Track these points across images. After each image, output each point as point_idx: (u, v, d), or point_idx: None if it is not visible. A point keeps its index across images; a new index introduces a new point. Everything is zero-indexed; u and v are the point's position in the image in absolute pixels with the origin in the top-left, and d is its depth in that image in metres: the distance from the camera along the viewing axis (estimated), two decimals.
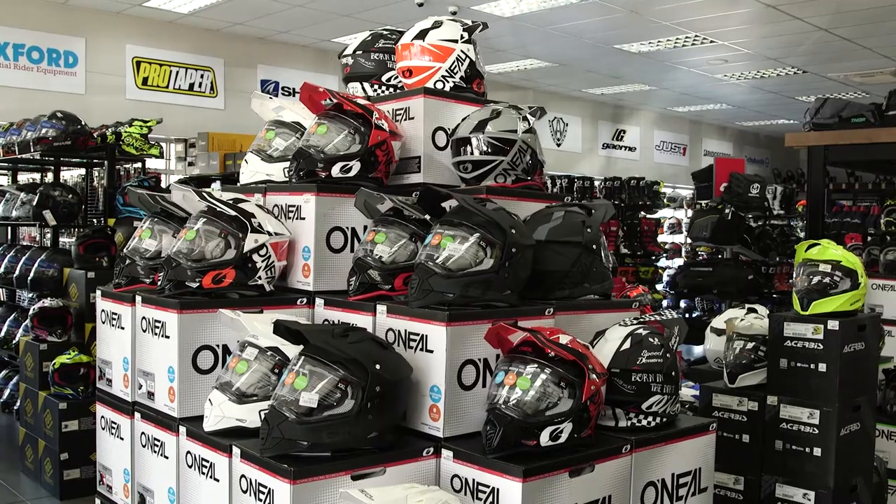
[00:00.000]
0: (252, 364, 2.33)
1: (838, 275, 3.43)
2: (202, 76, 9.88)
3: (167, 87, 9.59)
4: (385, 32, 3.28)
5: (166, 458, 2.50)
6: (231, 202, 2.57)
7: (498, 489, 2.09)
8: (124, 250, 2.81)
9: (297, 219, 2.70)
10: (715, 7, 8.58)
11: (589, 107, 14.40)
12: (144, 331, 2.62)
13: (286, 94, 10.56)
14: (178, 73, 9.68)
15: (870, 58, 10.50)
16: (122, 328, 2.74)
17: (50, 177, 6.89)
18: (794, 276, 3.54)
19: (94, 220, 6.18)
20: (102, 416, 2.88)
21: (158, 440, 2.54)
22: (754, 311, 3.92)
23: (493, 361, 2.35)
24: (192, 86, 9.80)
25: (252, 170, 2.96)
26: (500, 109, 2.85)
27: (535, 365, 2.17)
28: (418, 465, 2.22)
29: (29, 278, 5.55)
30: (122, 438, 2.75)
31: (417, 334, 2.32)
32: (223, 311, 2.40)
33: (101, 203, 6.30)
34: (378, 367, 2.13)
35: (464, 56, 3.04)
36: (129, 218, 5.38)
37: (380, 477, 2.15)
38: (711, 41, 9.94)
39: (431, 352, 2.28)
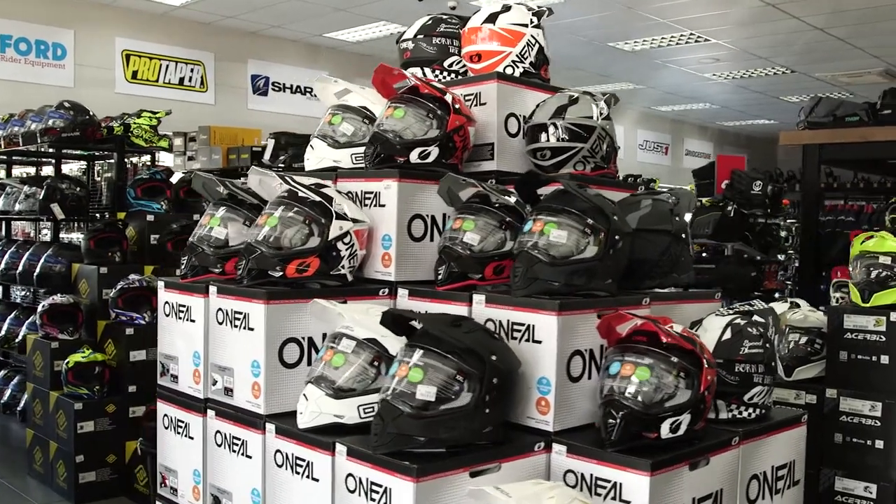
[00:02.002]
0: (349, 356, 2.20)
1: None
2: (192, 70, 9.67)
3: (157, 81, 9.37)
4: (445, 17, 3.19)
5: (249, 457, 2.37)
6: (313, 187, 2.45)
7: (621, 483, 2.00)
8: (191, 239, 2.66)
9: (375, 206, 2.58)
10: (714, 5, 8.60)
11: None
12: (221, 323, 2.48)
13: (276, 89, 10.37)
14: (168, 66, 9.47)
15: (860, 58, 10.62)
16: (193, 321, 2.59)
17: (47, 170, 6.66)
18: (851, 268, 3.52)
19: (98, 215, 5.97)
20: (165, 415, 2.73)
21: (239, 438, 2.40)
22: (797, 305, 3.89)
23: (598, 352, 2.27)
24: (182, 80, 9.59)
25: (318, 156, 2.83)
26: (577, 95, 2.77)
27: (653, 354, 2.09)
28: (531, 461, 2.12)
29: (35, 274, 5.33)
30: (191, 438, 2.60)
31: (522, 324, 2.22)
32: (317, 300, 2.27)
33: (104, 196, 6.08)
34: (494, 357, 2.03)
35: (534, 41, 2.98)
36: (142, 212, 5.18)
37: (495, 474, 2.04)
38: (706, 39, 9.98)
39: (539, 342, 2.18)
